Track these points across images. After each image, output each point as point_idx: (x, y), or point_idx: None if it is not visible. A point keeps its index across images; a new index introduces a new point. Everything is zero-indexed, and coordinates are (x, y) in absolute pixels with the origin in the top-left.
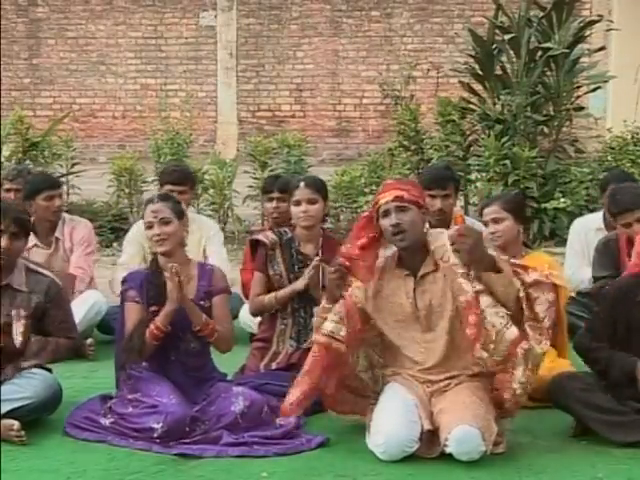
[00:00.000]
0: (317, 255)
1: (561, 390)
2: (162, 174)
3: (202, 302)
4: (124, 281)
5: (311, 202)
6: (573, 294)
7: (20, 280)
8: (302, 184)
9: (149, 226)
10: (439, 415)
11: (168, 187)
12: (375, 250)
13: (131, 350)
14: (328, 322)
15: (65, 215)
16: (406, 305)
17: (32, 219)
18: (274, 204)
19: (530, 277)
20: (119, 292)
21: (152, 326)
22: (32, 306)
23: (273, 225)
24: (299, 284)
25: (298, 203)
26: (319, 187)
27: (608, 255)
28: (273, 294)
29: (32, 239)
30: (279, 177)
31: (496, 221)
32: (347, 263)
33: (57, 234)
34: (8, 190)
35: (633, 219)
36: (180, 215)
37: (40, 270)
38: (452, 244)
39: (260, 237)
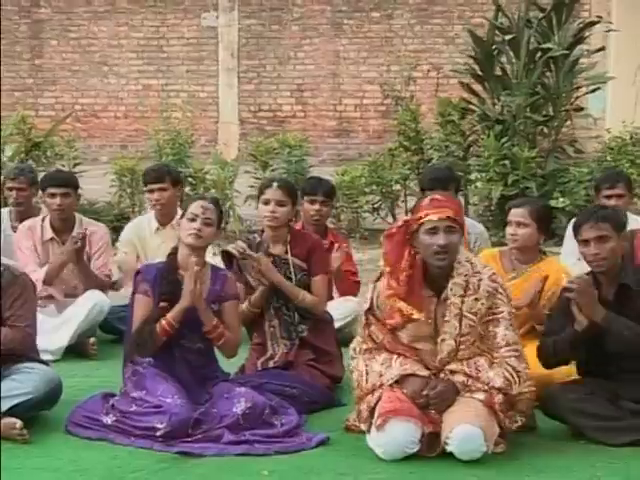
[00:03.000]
0: (286, 253)
1: (554, 401)
2: (142, 176)
3: (212, 305)
4: (138, 272)
5: (280, 204)
6: None
7: None
8: (275, 185)
9: (192, 218)
10: (441, 414)
11: (149, 187)
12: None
13: (140, 344)
14: None
15: (82, 217)
16: (424, 325)
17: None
18: (317, 207)
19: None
20: (132, 284)
21: (163, 321)
22: None
23: (308, 226)
24: (263, 283)
25: (267, 202)
26: (291, 191)
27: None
28: (246, 300)
29: (49, 233)
30: (322, 180)
31: (519, 225)
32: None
33: (74, 234)
34: (10, 189)
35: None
36: (219, 224)
37: None
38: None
39: (229, 249)
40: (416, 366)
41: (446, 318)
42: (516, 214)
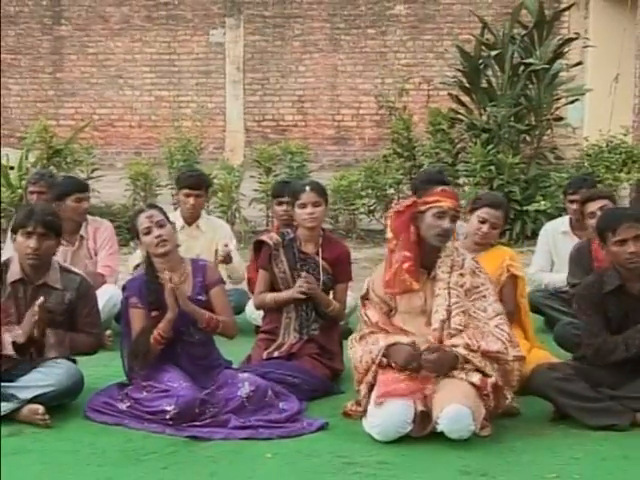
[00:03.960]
0: (317, 254)
1: (540, 380)
2: (179, 179)
3: (200, 297)
4: (124, 288)
5: (316, 205)
6: (552, 291)
7: (55, 278)
8: (308, 188)
9: (147, 231)
10: (432, 394)
11: (185, 191)
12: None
13: (138, 356)
14: None
15: (88, 216)
16: (417, 299)
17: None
18: (284, 207)
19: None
20: (122, 297)
21: (155, 333)
22: (65, 302)
23: (281, 226)
24: (296, 294)
25: (304, 206)
26: (322, 191)
27: (580, 262)
28: (273, 296)
29: None
30: (289, 182)
31: (494, 226)
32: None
33: (81, 233)
34: (32, 192)
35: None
36: (169, 220)
37: (73, 269)
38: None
39: (264, 238)
40: (399, 336)
41: (436, 293)
42: (494, 216)
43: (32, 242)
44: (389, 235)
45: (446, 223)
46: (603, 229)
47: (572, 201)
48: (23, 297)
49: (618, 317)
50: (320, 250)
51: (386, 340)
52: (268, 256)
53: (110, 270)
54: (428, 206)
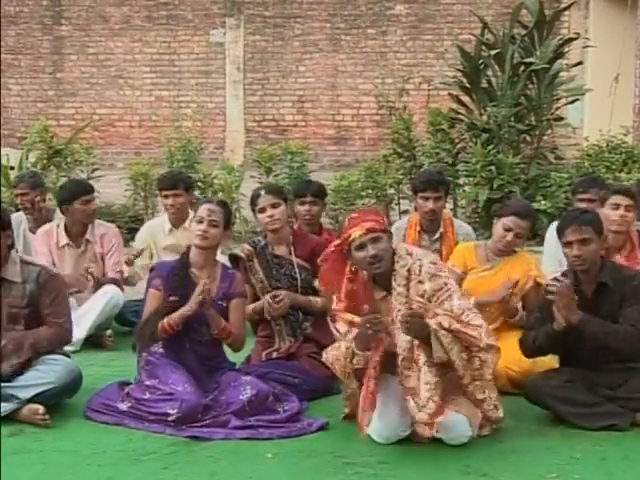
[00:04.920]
0: (290, 253)
1: (536, 389)
2: (157, 182)
3: (221, 302)
4: (152, 269)
5: (274, 206)
6: None
7: (14, 272)
8: (262, 192)
9: (200, 221)
10: None
11: (164, 193)
12: (361, 286)
13: (143, 335)
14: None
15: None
16: (389, 322)
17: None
18: (307, 207)
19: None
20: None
21: (165, 321)
22: (27, 295)
23: (303, 226)
24: (266, 307)
25: (263, 210)
26: (279, 192)
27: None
28: (251, 306)
29: (64, 239)
30: (311, 182)
31: (518, 235)
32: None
33: (88, 236)
34: (16, 195)
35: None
36: (228, 225)
37: (31, 260)
38: (403, 323)
39: (237, 252)
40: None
41: (397, 308)
42: (520, 225)
43: None
44: (321, 286)
45: (369, 250)
46: (557, 231)
47: (582, 200)
48: None
49: None
50: (292, 249)
51: (345, 341)
52: (244, 269)
53: (121, 275)
54: (346, 243)
